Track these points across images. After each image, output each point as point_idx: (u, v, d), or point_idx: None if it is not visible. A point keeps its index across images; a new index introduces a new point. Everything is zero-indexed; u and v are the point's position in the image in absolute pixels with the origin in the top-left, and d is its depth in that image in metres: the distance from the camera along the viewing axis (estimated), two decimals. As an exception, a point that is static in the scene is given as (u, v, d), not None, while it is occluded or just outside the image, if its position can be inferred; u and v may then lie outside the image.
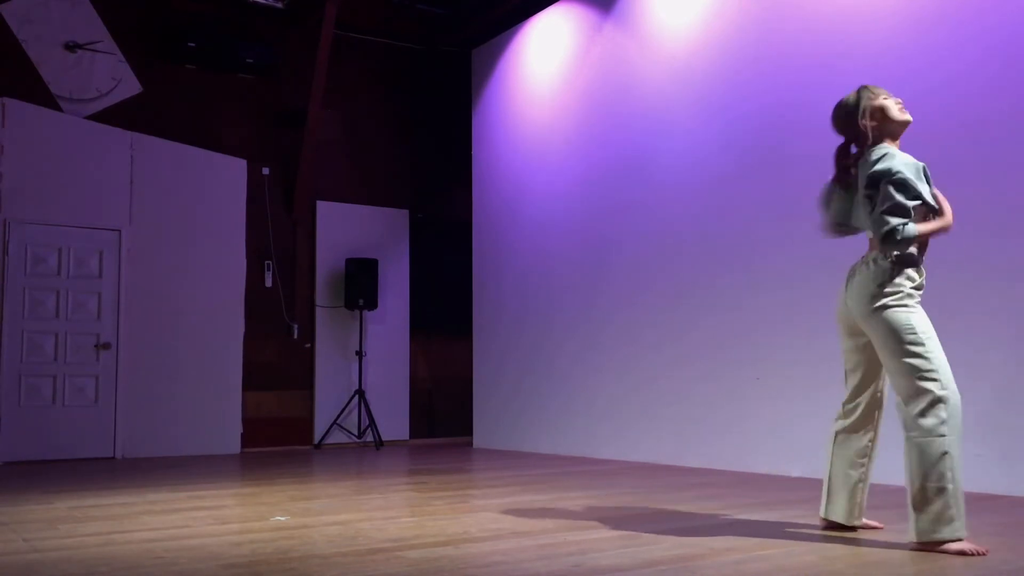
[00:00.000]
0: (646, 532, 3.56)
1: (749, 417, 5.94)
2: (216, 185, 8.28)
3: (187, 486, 5.35)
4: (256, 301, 8.44)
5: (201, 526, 3.79)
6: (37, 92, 7.60)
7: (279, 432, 8.49)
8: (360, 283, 8.61)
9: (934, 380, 3.19)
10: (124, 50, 8.00)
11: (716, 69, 6.36)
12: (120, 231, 7.80)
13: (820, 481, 5.22)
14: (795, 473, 5.55)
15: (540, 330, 7.80)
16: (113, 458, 7.57)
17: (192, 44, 8.09)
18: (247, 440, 8.27)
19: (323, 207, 8.89)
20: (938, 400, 3.17)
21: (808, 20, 5.76)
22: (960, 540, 3.04)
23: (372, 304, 8.66)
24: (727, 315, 6.13)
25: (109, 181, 7.78)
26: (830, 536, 3.38)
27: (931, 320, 3.30)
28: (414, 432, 9.18)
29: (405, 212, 9.32)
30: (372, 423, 8.52)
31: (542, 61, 8.06)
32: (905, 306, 3.26)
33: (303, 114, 8.46)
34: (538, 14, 8.18)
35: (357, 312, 8.75)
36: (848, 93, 3.47)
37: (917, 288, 3.30)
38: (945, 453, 3.12)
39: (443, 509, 4.26)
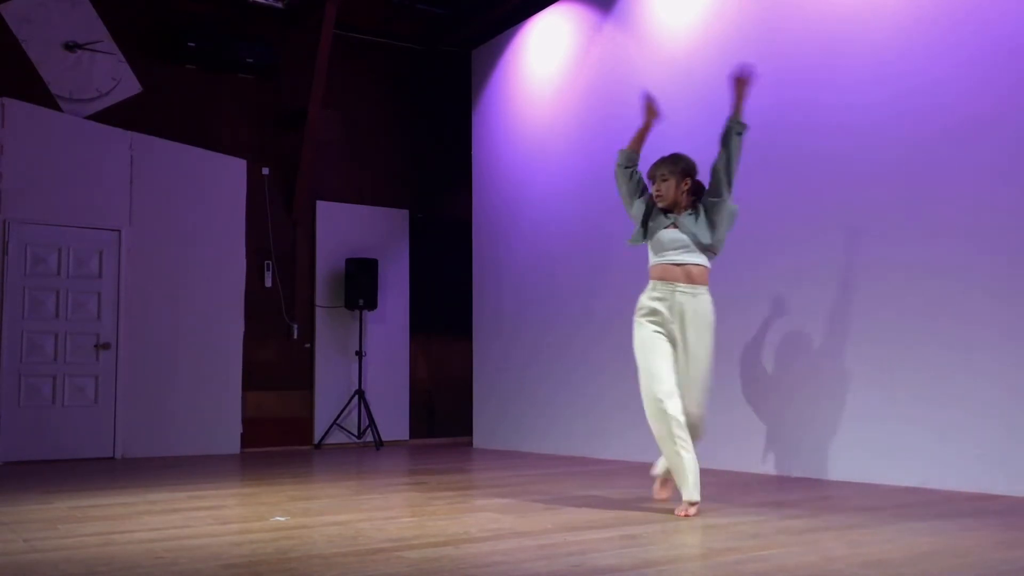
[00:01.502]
0: (646, 532, 3.55)
1: (749, 417, 5.94)
2: (216, 185, 8.28)
3: (187, 486, 5.34)
4: (256, 301, 8.44)
5: (201, 526, 3.79)
6: (37, 92, 7.60)
7: (279, 432, 8.49)
8: (360, 283, 8.61)
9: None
10: (124, 50, 8.00)
11: (716, 69, 6.35)
12: (120, 231, 7.80)
13: (819, 481, 5.24)
14: (795, 473, 5.56)
15: (540, 330, 7.80)
16: (113, 458, 7.57)
17: (192, 44, 8.09)
18: (247, 440, 8.27)
19: (323, 207, 8.89)
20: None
21: (808, 20, 5.76)
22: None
23: (372, 304, 8.66)
24: (725, 314, 6.11)
25: (109, 181, 7.78)
26: (830, 536, 3.38)
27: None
28: (414, 432, 9.18)
29: (405, 212, 9.32)
30: (372, 423, 8.52)
31: (542, 61, 8.06)
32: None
33: (303, 114, 8.46)
34: (538, 14, 8.17)
35: (357, 312, 8.75)
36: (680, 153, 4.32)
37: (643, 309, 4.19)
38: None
39: (443, 509, 4.26)
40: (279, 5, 8.34)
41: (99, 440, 7.58)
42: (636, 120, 7.09)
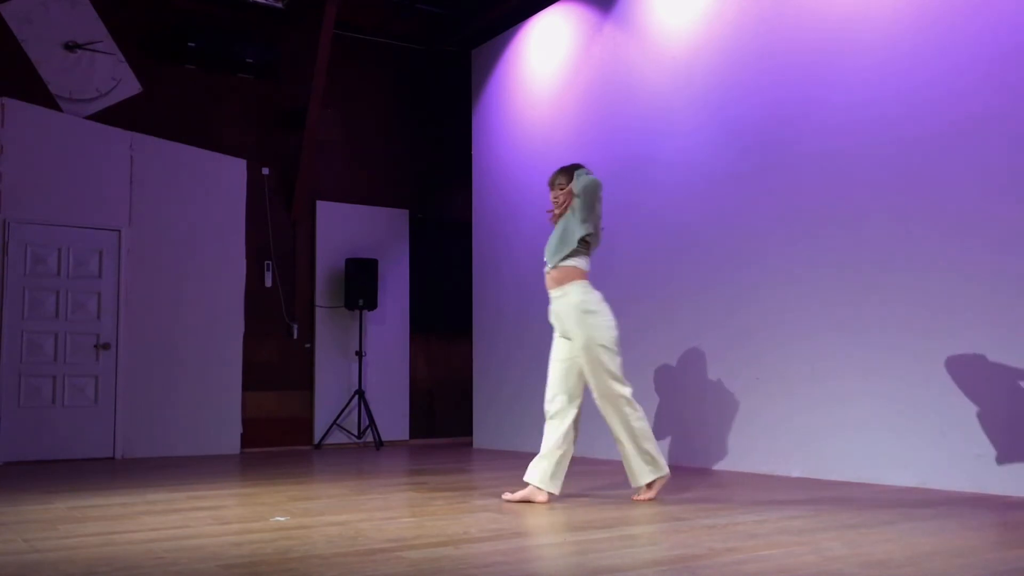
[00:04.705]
0: (646, 532, 3.56)
1: (749, 417, 5.94)
2: (216, 185, 8.28)
3: (187, 486, 5.34)
4: (256, 301, 8.44)
5: (201, 526, 3.79)
6: (37, 92, 7.60)
7: (279, 432, 8.49)
8: (360, 283, 8.61)
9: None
10: (124, 50, 8.00)
11: (716, 69, 6.36)
12: (120, 231, 7.80)
13: (819, 481, 5.24)
14: (795, 473, 5.56)
15: (540, 330, 7.77)
16: (113, 458, 7.57)
17: (192, 44, 8.09)
18: (247, 440, 8.27)
19: (323, 207, 8.89)
20: None
21: (808, 19, 5.76)
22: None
23: (372, 304, 8.66)
24: (726, 314, 6.13)
25: (109, 181, 7.78)
26: (830, 536, 3.38)
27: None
28: (414, 432, 9.18)
29: (405, 212, 9.32)
30: (372, 423, 8.52)
31: (542, 61, 8.06)
32: None
33: (303, 114, 8.46)
34: (538, 14, 8.17)
35: (357, 312, 8.75)
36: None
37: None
38: None
39: (443, 509, 4.26)
40: (279, 5, 8.33)
41: (99, 440, 7.58)
42: (635, 120, 7.13)
